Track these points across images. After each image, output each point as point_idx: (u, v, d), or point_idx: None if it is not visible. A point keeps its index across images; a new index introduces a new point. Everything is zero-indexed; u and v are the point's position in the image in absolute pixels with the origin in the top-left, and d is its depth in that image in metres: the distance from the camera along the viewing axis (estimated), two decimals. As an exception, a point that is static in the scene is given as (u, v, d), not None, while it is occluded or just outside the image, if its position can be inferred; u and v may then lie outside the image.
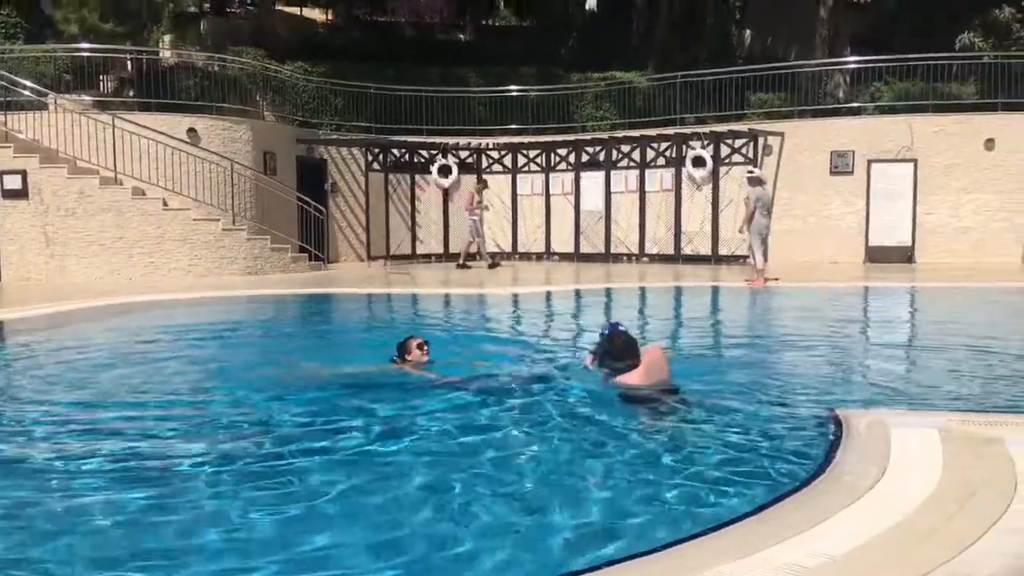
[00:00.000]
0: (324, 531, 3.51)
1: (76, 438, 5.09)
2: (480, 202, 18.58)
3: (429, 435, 4.92)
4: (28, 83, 16.11)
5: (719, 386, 6.33)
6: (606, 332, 6.22)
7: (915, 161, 17.59)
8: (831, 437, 4.60)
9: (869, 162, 17.81)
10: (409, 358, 6.56)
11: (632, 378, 5.68)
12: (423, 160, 20.81)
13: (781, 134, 18.45)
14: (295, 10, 30.50)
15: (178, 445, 4.83)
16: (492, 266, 18.26)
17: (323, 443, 4.75)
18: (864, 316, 11.85)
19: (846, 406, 5.37)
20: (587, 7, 28.80)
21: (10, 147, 15.45)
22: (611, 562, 3.08)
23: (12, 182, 15.34)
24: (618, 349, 5.88)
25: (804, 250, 17.69)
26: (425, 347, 6.65)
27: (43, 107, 15.99)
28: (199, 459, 4.51)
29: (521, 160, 21.02)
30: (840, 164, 18.02)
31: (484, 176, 20.59)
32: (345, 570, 3.16)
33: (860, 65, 20.24)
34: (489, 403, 5.54)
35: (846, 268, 16.69)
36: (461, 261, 18.53)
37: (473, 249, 18.72)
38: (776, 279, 13.88)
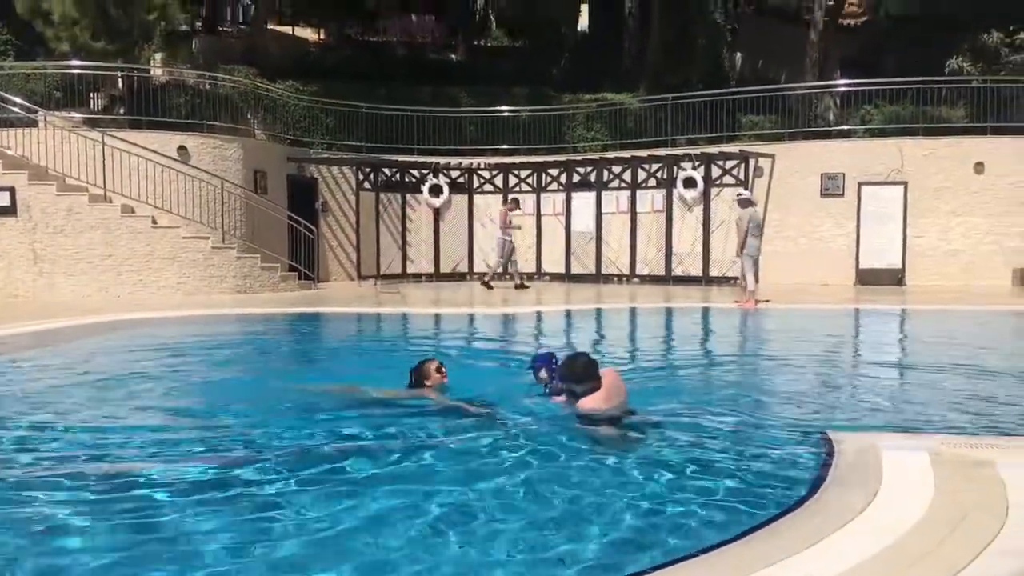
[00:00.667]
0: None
1: (69, 458, 5.03)
2: (511, 221, 18.20)
3: (457, 462, 4.77)
4: (18, 100, 16.08)
5: (707, 407, 6.30)
6: (552, 360, 6.11)
7: (905, 184, 17.66)
8: (822, 459, 4.57)
9: (860, 184, 17.88)
10: (428, 383, 6.29)
11: (594, 402, 5.50)
12: (414, 179, 20.81)
13: (772, 156, 18.52)
14: (287, 29, 30.60)
15: (178, 466, 4.76)
16: (520, 287, 17.84)
17: (334, 467, 4.66)
18: (855, 338, 11.85)
19: (837, 428, 5.34)
20: (579, 28, 28.98)
21: (-1, 164, 15.38)
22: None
23: (0, 199, 15.24)
24: (579, 372, 5.63)
25: (794, 272, 17.72)
26: (444, 369, 6.40)
27: (33, 124, 15.95)
28: (196, 483, 4.43)
29: (512, 180, 21.06)
30: (831, 186, 18.09)
31: (513, 197, 19.86)
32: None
33: (850, 88, 20.37)
34: (508, 433, 5.37)
35: (837, 290, 16.71)
36: (487, 279, 18.13)
37: (500, 268, 18.44)
38: (767, 300, 13.88)
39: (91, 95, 18.39)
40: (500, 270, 18.61)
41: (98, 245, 15.26)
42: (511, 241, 18.07)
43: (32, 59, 19.08)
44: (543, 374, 6.21)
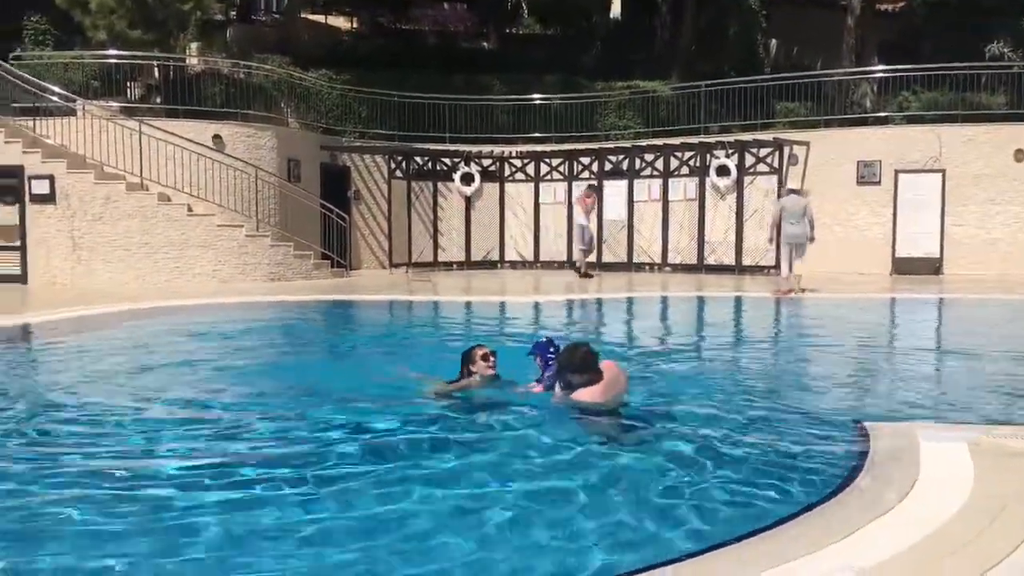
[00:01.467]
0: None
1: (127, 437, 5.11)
2: (592, 207, 17.93)
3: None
4: (57, 89, 16.30)
5: (742, 396, 6.27)
6: (549, 346, 5.87)
7: (943, 171, 17.39)
8: (858, 449, 4.53)
9: (896, 172, 17.63)
10: (473, 369, 5.93)
11: (591, 395, 5.29)
12: (446, 168, 20.84)
13: (807, 143, 18.31)
14: (320, 18, 30.67)
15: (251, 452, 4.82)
16: (585, 276, 17.60)
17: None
18: (893, 327, 11.71)
19: (873, 418, 5.29)
20: (611, 15, 28.78)
21: (38, 152, 15.61)
22: (629, 573, 3.03)
23: (40, 187, 15.50)
24: (577, 363, 5.37)
25: (829, 261, 17.48)
26: (491, 358, 5.96)
27: (71, 113, 16.15)
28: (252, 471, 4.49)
29: (544, 168, 21.00)
30: (867, 174, 17.86)
31: (590, 184, 19.31)
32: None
33: (888, 74, 20.04)
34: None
35: (873, 280, 16.51)
36: (584, 270, 17.85)
37: (586, 256, 18.14)
38: (804, 290, 13.75)
39: (128, 84, 18.61)
40: (587, 257, 18.19)
41: (135, 233, 15.46)
42: (590, 228, 17.80)
43: (70, 48, 19.32)
44: (538, 361, 5.98)
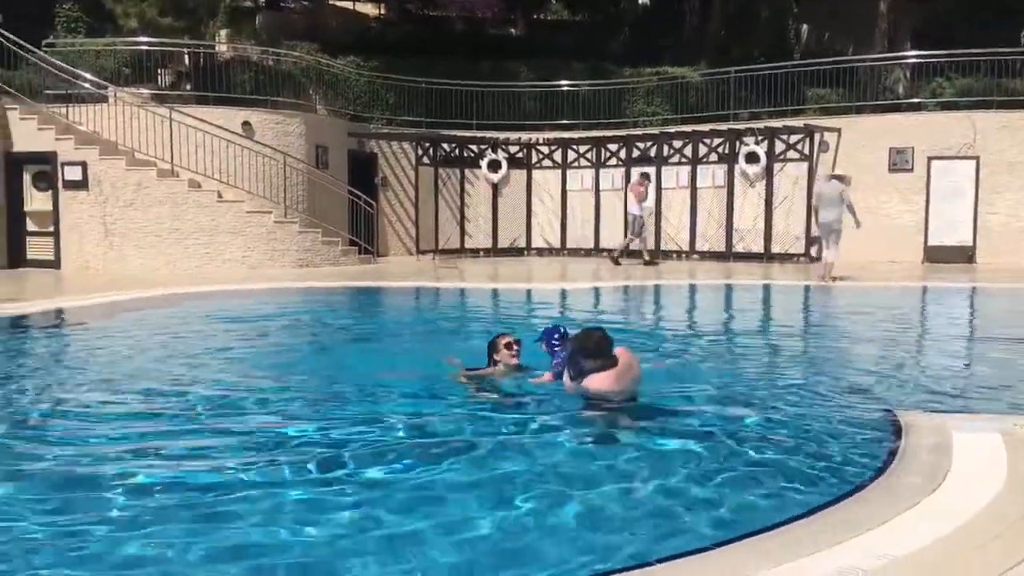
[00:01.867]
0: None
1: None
2: (645, 195, 17.74)
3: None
4: (89, 76, 16.46)
5: (773, 385, 6.24)
6: (555, 333, 5.77)
7: (977, 158, 17.14)
8: (890, 439, 4.49)
9: (929, 159, 17.40)
10: (497, 357, 5.83)
11: (605, 381, 5.14)
12: (473, 154, 20.83)
13: (838, 130, 18.11)
14: (348, 4, 30.69)
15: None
16: (649, 263, 17.43)
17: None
18: (926, 316, 11.58)
19: (906, 407, 5.24)
20: (640, 1, 28.57)
21: (71, 139, 15.80)
22: (661, 560, 3.03)
23: (73, 173, 15.69)
24: (591, 348, 5.20)
25: (860, 249, 17.27)
26: (515, 347, 5.83)
27: (103, 100, 16.31)
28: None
29: (571, 155, 20.94)
30: (899, 161, 17.64)
31: (643, 171, 18.84)
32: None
33: (921, 60, 19.74)
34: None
35: (904, 268, 16.34)
36: (616, 255, 17.72)
37: (636, 245, 17.94)
38: (835, 278, 13.64)
39: (159, 71, 18.75)
40: (634, 247, 17.98)
41: (166, 219, 15.61)
42: (643, 216, 17.66)
43: (101, 36, 19.50)
44: (543, 348, 5.92)
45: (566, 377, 5.34)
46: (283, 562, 3.19)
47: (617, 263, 17.50)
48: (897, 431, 4.61)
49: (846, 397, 5.81)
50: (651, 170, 19.53)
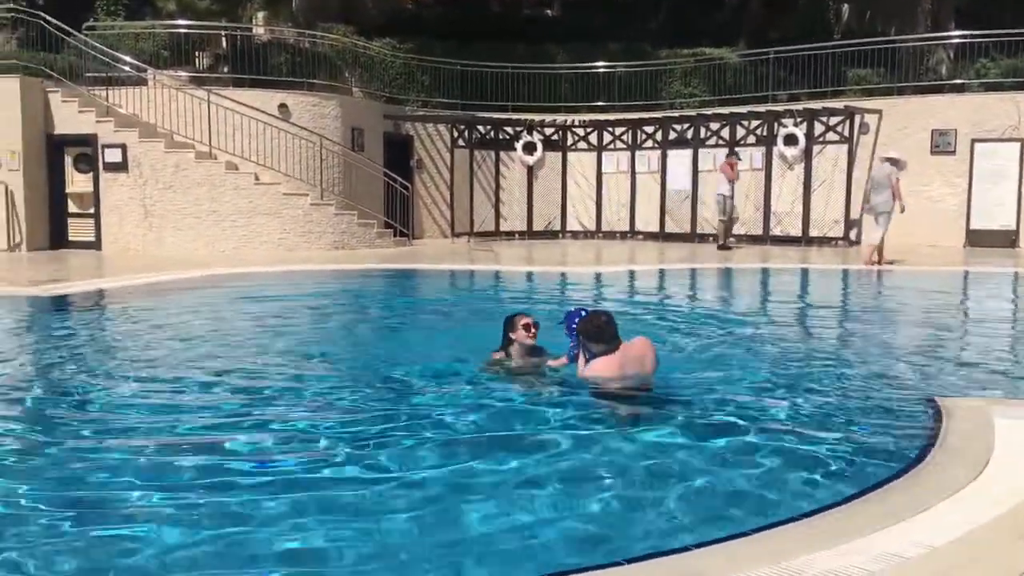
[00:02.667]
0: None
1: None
2: (737, 175, 17.30)
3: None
4: (128, 59, 16.62)
5: (811, 370, 6.19)
6: (575, 317, 5.54)
7: (1022, 141, 16.76)
8: (930, 426, 4.43)
9: (973, 141, 17.06)
10: (513, 336, 5.74)
11: (603, 366, 5.12)
12: (508, 137, 20.78)
13: (879, 111, 17.81)
14: (384, -13, 30.65)
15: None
16: (723, 247, 17.04)
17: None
18: (968, 301, 11.39)
19: (947, 393, 5.17)
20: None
21: (111, 121, 16.00)
22: (702, 544, 3.03)
23: (113, 155, 15.90)
24: (591, 331, 5.16)
25: (900, 233, 16.97)
26: (532, 329, 5.71)
27: (142, 82, 16.48)
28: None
29: (607, 138, 20.81)
30: (941, 143, 17.32)
31: (733, 152, 18.13)
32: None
33: (965, 40, 19.32)
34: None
35: (946, 252, 16.06)
36: (722, 241, 17.30)
37: (725, 225, 17.49)
38: (875, 261, 13.48)
39: (197, 54, 18.90)
40: (726, 226, 17.55)
41: (204, 201, 15.77)
42: (731, 197, 17.28)
43: (140, 18, 19.69)
44: (565, 332, 5.77)
45: (580, 361, 5.32)
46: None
47: (727, 248, 17.00)
48: (937, 416, 4.55)
49: (885, 382, 5.74)
50: (687, 153, 19.36)
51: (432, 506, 3.56)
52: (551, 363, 5.71)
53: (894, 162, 14.00)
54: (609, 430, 4.63)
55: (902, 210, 13.67)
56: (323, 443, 4.41)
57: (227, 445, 4.35)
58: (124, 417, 5.02)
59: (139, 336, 7.81)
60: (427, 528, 3.33)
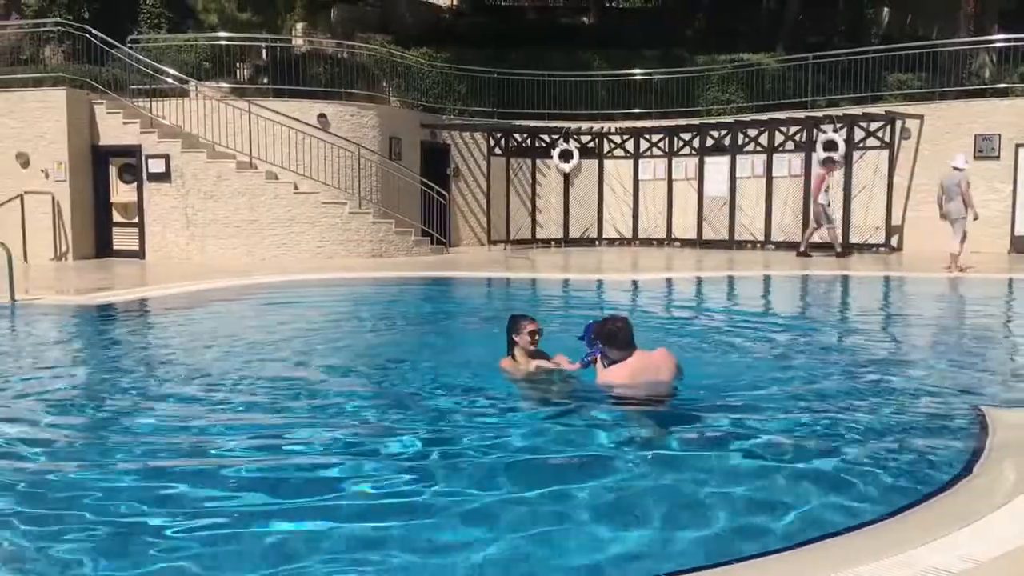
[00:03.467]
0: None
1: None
2: (829, 186, 17.03)
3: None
4: (171, 71, 16.90)
5: (856, 380, 6.11)
6: (590, 326, 5.57)
7: (1068, 145, 16.45)
8: (976, 436, 4.37)
9: (1017, 146, 16.77)
10: (516, 339, 5.71)
11: (613, 375, 5.14)
12: (544, 144, 20.81)
13: (920, 117, 17.58)
14: (421, -4, 30.89)
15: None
16: (842, 255, 16.76)
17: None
18: (1015, 310, 11.15)
19: (993, 402, 5.09)
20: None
21: (155, 132, 16.28)
22: (747, 557, 3.01)
23: (156, 166, 16.19)
24: (605, 335, 5.21)
25: (943, 239, 16.75)
26: (538, 336, 5.70)
27: (185, 94, 16.75)
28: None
29: (643, 145, 20.76)
30: (985, 148, 17.04)
31: (828, 156, 17.53)
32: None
33: (1009, 43, 19.00)
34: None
35: (990, 259, 15.77)
36: (802, 248, 17.07)
37: (822, 236, 17.25)
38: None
39: (237, 65, 19.17)
40: (822, 237, 17.30)
41: (244, 210, 15.98)
42: (828, 205, 16.91)
43: (182, 31, 20.03)
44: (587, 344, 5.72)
45: (599, 367, 5.31)
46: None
47: (807, 255, 16.74)
48: (983, 427, 4.49)
49: (930, 391, 5.67)
50: (725, 159, 19.25)
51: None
52: (566, 366, 5.66)
53: (964, 167, 13.77)
54: (636, 444, 4.60)
55: (975, 218, 13.56)
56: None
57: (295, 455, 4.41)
58: (192, 422, 5.12)
59: (195, 344, 7.94)
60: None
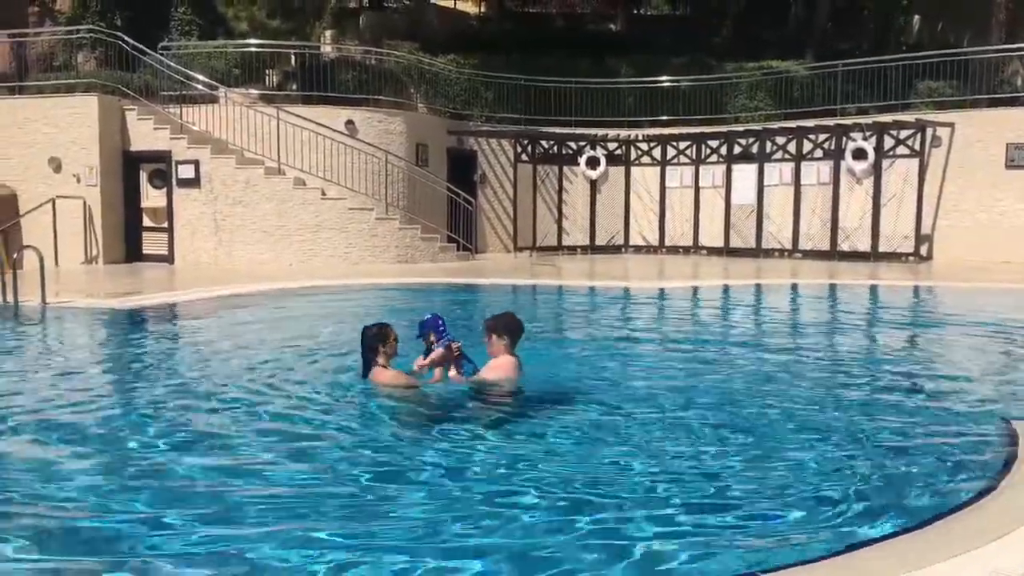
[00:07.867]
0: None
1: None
2: None
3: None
4: (201, 77, 17.08)
5: (885, 391, 6.06)
6: (441, 320, 5.85)
7: (1103, 154, 16.20)
8: (1006, 449, 4.31)
9: (1050, 155, 16.55)
10: (385, 350, 5.64)
11: (505, 367, 5.65)
12: (571, 151, 20.80)
13: (951, 125, 17.40)
14: (449, 3, 31.08)
15: None
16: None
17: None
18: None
19: (1022, 417, 5.01)
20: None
21: (184, 138, 16.46)
22: (766, 570, 2.99)
23: (186, 172, 16.35)
24: (515, 327, 5.79)
25: (972, 249, 16.62)
26: (395, 344, 5.71)
27: (214, 100, 16.92)
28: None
29: (671, 152, 20.69)
30: (1017, 157, 16.82)
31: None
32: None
33: (1042, 50, 18.78)
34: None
35: (1020, 269, 15.57)
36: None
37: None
38: None
39: (266, 72, 19.35)
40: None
41: (272, 215, 16.11)
42: None
43: (213, 38, 20.23)
44: (432, 337, 5.80)
45: (453, 370, 5.75)
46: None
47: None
48: (1013, 440, 4.43)
49: (959, 404, 5.61)
50: (752, 167, 19.14)
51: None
52: (454, 377, 5.79)
53: None
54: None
55: None
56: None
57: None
58: (234, 423, 5.21)
59: (226, 345, 8.02)
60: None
